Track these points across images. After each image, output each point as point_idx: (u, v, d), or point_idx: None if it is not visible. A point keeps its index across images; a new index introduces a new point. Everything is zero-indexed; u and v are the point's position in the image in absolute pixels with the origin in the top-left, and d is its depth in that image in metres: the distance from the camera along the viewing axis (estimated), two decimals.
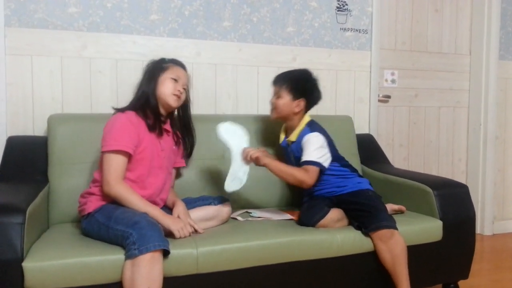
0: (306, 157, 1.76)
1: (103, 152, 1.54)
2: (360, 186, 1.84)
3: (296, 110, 1.85)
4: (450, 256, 1.81)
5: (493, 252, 2.66)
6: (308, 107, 1.88)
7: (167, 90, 1.66)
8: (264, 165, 1.71)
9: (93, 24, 2.06)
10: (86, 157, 1.80)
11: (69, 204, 1.72)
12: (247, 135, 1.78)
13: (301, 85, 1.86)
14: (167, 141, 1.71)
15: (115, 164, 1.52)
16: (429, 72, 2.93)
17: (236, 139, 1.75)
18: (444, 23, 2.96)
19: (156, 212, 1.50)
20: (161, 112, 1.70)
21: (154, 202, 1.61)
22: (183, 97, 1.71)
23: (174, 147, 1.75)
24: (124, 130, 1.55)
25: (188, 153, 1.86)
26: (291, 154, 1.87)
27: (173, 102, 1.67)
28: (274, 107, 1.87)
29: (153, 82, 1.67)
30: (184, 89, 1.71)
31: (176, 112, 1.80)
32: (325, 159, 1.78)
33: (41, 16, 1.98)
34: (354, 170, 1.92)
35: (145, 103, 1.65)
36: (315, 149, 1.76)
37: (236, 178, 1.69)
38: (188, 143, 1.84)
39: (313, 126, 1.86)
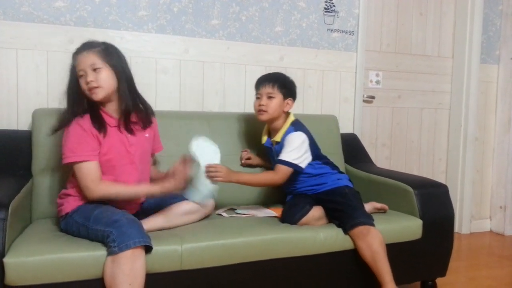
0: (282, 156, 1.80)
1: (73, 165, 1.48)
2: (339, 183, 1.87)
3: (286, 109, 1.88)
4: (429, 254, 1.87)
5: (470, 250, 2.74)
6: (291, 107, 1.92)
7: (84, 90, 1.52)
8: (235, 182, 1.72)
9: (80, 19, 2.04)
10: None
11: (52, 199, 1.71)
12: (219, 154, 1.72)
13: (288, 85, 1.90)
14: (136, 132, 1.60)
15: (86, 170, 1.47)
16: (412, 74, 2.99)
17: (206, 156, 1.68)
18: (428, 26, 3.02)
19: (151, 189, 1.53)
20: (103, 108, 1.56)
21: (132, 202, 1.61)
22: (101, 82, 1.49)
23: (146, 135, 1.64)
24: (80, 139, 1.48)
25: (147, 121, 1.65)
26: (275, 154, 1.90)
27: (94, 97, 1.51)
28: (265, 109, 1.84)
29: (79, 88, 1.53)
30: (96, 69, 1.49)
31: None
32: (303, 159, 1.81)
33: (27, 9, 1.96)
34: (334, 167, 1.96)
35: (81, 107, 1.54)
36: (294, 149, 1.79)
37: (199, 193, 1.64)
38: (145, 114, 1.64)
39: (297, 125, 1.89)
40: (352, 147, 2.43)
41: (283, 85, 1.87)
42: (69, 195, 1.55)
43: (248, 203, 2.04)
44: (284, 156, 1.79)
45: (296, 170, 1.80)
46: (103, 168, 1.53)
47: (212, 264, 1.49)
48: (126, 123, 1.58)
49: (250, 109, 2.39)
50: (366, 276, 1.69)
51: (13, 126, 1.95)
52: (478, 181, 3.14)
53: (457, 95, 3.07)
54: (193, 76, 2.27)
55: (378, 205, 1.93)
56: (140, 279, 1.31)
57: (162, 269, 1.42)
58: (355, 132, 2.63)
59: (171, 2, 2.21)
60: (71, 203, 1.52)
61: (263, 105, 1.85)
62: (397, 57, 2.93)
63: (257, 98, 1.91)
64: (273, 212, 1.88)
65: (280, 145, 1.86)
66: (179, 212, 1.63)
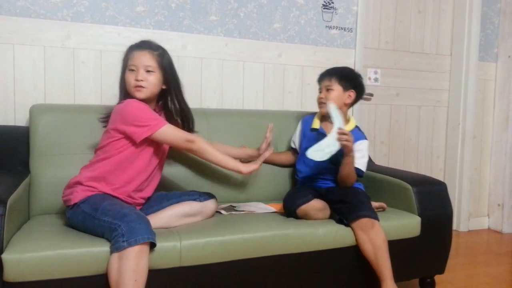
0: (361, 166, 1.86)
1: (157, 132, 1.53)
2: (353, 184, 1.88)
3: (348, 101, 1.90)
4: (427, 251, 1.87)
5: (468, 248, 2.75)
6: (356, 100, 1.93)
7: (128, 85, 1.59)
8: (348, 154, 1.75)
9: (77, 14, 2.03)
10: (69, 148, 1.78)
11: (50, 195, 1.70)
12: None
13: (349, 77, 1.91)
14: None
15: (175, 130, 1.57)
16: (410, 72, 2.99)
17: (341, 119, 1.77)
18: (426, 24, 3.02)
19: (243, 170, 1.63)
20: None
21: (140, 197, 1.62)
22: (147, 83, 1.58)
23: None
24: (149, 109, 1.57)
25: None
26: None
27: (137, 94, 1.58)
28: (325, 102, 1.87)
29: (123, 79, 1.63)
30: (149, 71, 1.58)
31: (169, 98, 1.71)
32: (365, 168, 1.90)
33: (24, 4, 1.94)
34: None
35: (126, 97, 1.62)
36: (367, 160, 1.89)
37: (322, 151, 1.73)
38: (187, 126, 1.76)
39: (361, 131, 1.94)
40: None
41: (342, 77, 1.88)
42: (79, 183, 1.53)
43: (247, 199, 2.04)
44: (362, 165, 1.86)
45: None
46: (137, 155, 1.57)
47: (211, 261, 1.48)
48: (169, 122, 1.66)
49: (248, 106, 2.39)
50: (365, 272, 1.69)
51: (10, 122, 1.93)
52: (476, 179, 3.15)
53: (455, 93, 3.08)
54: (191, 72, 2.26)
55: (376, 204, 1.91)
56: (144, 276, 1.32)
57: (161, 265, 1.41)
58: None
59: None
60: (80, 193, 1.51)
61: (322, 97, 1.89)
62: (395, 54, 2.93)
63: (319, 92, 1.94)
64: (272, 208, 1.87)
65: None
66: (179, 214, 1.62)
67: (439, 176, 3.08)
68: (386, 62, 2.90)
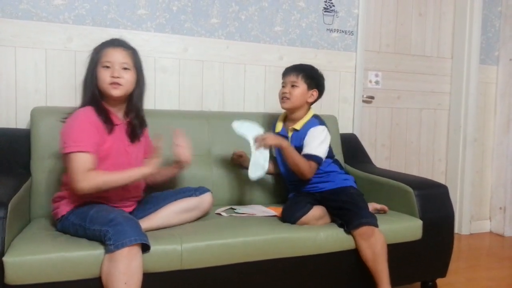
0: (311, 150, 1.81)
1: (64, 154, 1.44)
2: (345, 183, 1.88)
3: (310, 100, 1.91)
4: (429, 254, 1.86)
5: (470, 251, 2.74)
6: (317, 99, 1.94)
7: (103, 82, 1.51)
8: (281, 147, 1.77)
9: (79, 17, 2.03)
10: None
11: (51, 198, 1.70)
12: (260, 127, 1.86)
13: (315, 76, 1.93)
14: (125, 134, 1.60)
15: (82, 160, 1.41)
16: (411, 75, 2.99)
17: (251, 130, 1.82)
18: (427, 27, 3.02)
19: (142, 170, 1.50)
20: (110, 106, 1.56)
21: (127, 200, 1.60)
22: (124, 80, 1.52)
23: (141, 139, 1.65)
24: (84, 130, 1.45)
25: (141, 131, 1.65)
26: (290, 143, 1.89)
27: (113, 92, 1.51)
28: (288, 97, 1.88)
29: (94, 76, 1.53)
30: (125, 68, 1.52)
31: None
32: (325, 154, 1.85)
33: (26, 7, 1.95)
34: (341, 167, 1.97)
35: (93, 99, 1.53)
36: (320, 143, 1.83)
37: (259, 165, 1.77)
38: (136, 131, 1.63)
39: (319, 119, 1.92)
40: (352, 148, 2.42)
41: (308, 75, 1.90)
42: (63, 197, 1.54)
43: (248, 202, 2.03)
44: (312, 150, 1.81)
45: (319, 164, 1.83)
46: (101, 164, 1.50)
47: (212, 264, 1.48)
48: (132, 126, 1.61)
49: (249, 108, 2.39)
50: (365, 276, 1.68)
51: (11, 125, 1.94)
52: (478, 182, 3.14)
53: (456, 96, 3.07)
54: (192, 75, 2.26)
55: (378, 206, 1.92)
56: (136, 278, 1.30)
57: (162, 268, 1.41)
58: (354, 133, 2.62)
59: (170, 1, 2.20)
60: (65, 205, 1.51)
61: (286, 92, 1.89)
62: (396, 57, 2.93)
63: (282, 86, 1.94)
64: (273, 211, 1.87)
65: (300, 134, 1.87)
66: (177, 211, 1.62)
67: (441, 179, 3.08)
68: (387, 65, 2.90)
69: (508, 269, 2.44)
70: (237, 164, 2.04)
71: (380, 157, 2.91)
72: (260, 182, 2.07)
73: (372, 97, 2.83)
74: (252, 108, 2.40)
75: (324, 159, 1.84)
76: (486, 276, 2.31)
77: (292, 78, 1.90)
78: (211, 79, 2.30)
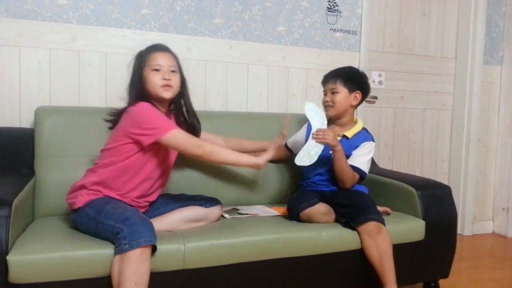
0: (361, 164, 1.84)
1: (165, 135, 1.49)
2: (357, 188, 1.88)
3: (354, 103, 1.90)
4: (432, 255, 1.86)
5: (472, 252, 2.73)
6: (362, 100, 1.93)
7: (154, 85, 1.58)
8: (334, 149, 1.76)
9: (83, 17, 2.04)
10: (73, 150, 1.79)
11: (55, 197, 1.71)
12: (326, 120, 1.83)
13: (354, 78, 1.91)
14: None
15: (183, 135, 1.53)
16: (415, 75, 2.98)
17: (319, 119, 1.80)
18: (431, 27, 3.01)
19: (259, 162, 1.59)
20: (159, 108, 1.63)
21: (145, 196, 1.61)
22: (174, 82, 1.61)
23: None
24: (160, 115, 1.54)
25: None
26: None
27: (165, 94, 1.59)
28: (331, 105, 1.88)
29: (141, 80, 1.60)
30: (173, 71, 1.62)
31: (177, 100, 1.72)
32: (368, 171, 1.89)
33: (30, 7, 1.95)
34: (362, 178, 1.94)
35: (142, 99, 1.58)
36: (369, 160, 1.87)
37: (308, 155, 1.76)
38: (197, 129, 1.75)
39: (369, 133, 1.94)
40: None
41: (347, 79, 1.89)
42: (84, 187, 1.53)
43: (251, 203, 2.04)
44: (362, 165, 1.84)
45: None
46: (147, 162, 1.56)
47: (215, 264, 1.48)
48: (193, 126, 1.71)
49: (252, 108, 2.40)
50: (369, 276, 1.69)
51: (15, 124, 1.94)
52: (481, 182, 3.13)
53: (460, 96, 3.07)
54: (196, 75, 2.27)
55: (381, 208, 1.90)
56: (145, 279, 1.31)
57: (165, 268, 1.41)
58: None
59: (174, 1, 2.21)
60: (84, 197, 1.51)
61: (328, 100, 1.89)
62: (400, 57, 2.92)
63: (324, 94, 1.94)
64: (276, 211, 1.87)
65: (350, 142, 1.87)
66: (184, 219, 1.63)
67: (444, 180, 3.07)
68: (391, 65, 2.90)
69: (510, 269, 2.44)
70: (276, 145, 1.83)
71: (383, 157, 2.91)
72: (263, 182, 2.07)
73: (376, 97, 2.82)
74: (255, 108, 2.40)
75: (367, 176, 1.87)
76: (489, 277, 2.31)
77: (331, 85, 1.89)
78: (214, 78, 2.31)
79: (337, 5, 2.58)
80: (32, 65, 1.96)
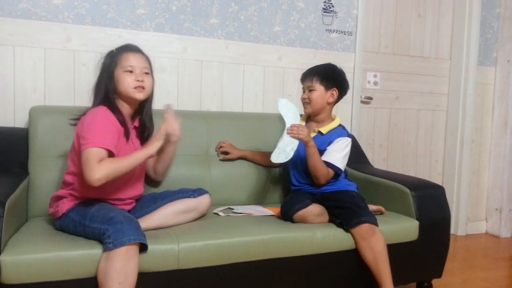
0: (335, 160, 1.83)
1: (84, 150, 1.41)
2: (347, 187, 1.89)
3: (330, 100, 1.91)
4: (425, 255, 1.87)
5: (466, 252, 2.75)
6: (339, 97, 1.94)
7: (127, 86, 1.54)
8: (307, 145, 1.76)
9: (78, 16, 2.04)
10: (67, 150, 1.76)
11: (48, 197, 1.68)
12: (299, 115, 1.84)
13: (331, 76, 1.92)
14: (136, 138, 1.66)
15: (96, 154, 1.40)
16: (410, 76, 3.00)
17: (292, 115, 1.80)
18: (426, 28, 3.03)
19: (147, 150, 1.52)
20: (125, 110, 1.60)
21: (124, 200, 1.61)
22: (147, 84, 1.58)
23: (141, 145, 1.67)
24: (106, 129, 1.46)
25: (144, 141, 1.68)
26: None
27: (138, 95, 1.56)
28: (308, 102, 1.90)
29: (111, 80, 1.56)
30: (146, 73, 1.58)
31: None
32: (344, 167, 1.88)
33: (25, 6, 1.95)
34: (346, 174, 1.98)
35: (107, 100, 1.55)
36: (344, 156, 1.87)
37: (284, 152, 1.76)
38: (149, 134, 1.69)
39: (346, 130, 1.94)
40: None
41: (323, 77, 1.90)
42: (63, 197, 1.54)
43: (245, 202, 2.04)
44: (335, 160, 1.84)
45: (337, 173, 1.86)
46: None
47: (209, 264, 1.48)
48: (147, 129, 1.67)
49: (248, 108, 2.40)
50: (363, 276, 1.69)
51: (9, 124, 1.94)
52: (475, 183, 3.15)
53: (454, 97, 3.08)
54: (191, 75, 2.27)
55: (374, 207, 1.92)
56: (131, 278, 1.30)
57: (159, 268, 1.41)
58: (352, 133, 2.63)
59: (170, 1, 2.20)
60: (66, 204, 1.51)
61: (305, 98, 1.91)
62: (395, 58, 2.93)
63: (303, 91, 1.95)
64: (270, 211, 1.88)
65: (324, 138, 1.88)
66: (175, 211, 1.62)
67: (438, 180, 3.09)
68: (386, 65, 2.91)
69: (503, 270, 2.45)
70: (223, 159, 2.04)
71: (377, 158, 2.92)
72: (258, 182, 2.07)
73: (371, 98, 2.83)
74: (251, 108, 2.41)
75: (342, 169, 1.87)
76: (482, 276, 2.32)
77: (308, 83, 1.91)
78: (210, 79, 2.31)
79: (332, 6, 2.59)
80: (26, 65, 1.96)
